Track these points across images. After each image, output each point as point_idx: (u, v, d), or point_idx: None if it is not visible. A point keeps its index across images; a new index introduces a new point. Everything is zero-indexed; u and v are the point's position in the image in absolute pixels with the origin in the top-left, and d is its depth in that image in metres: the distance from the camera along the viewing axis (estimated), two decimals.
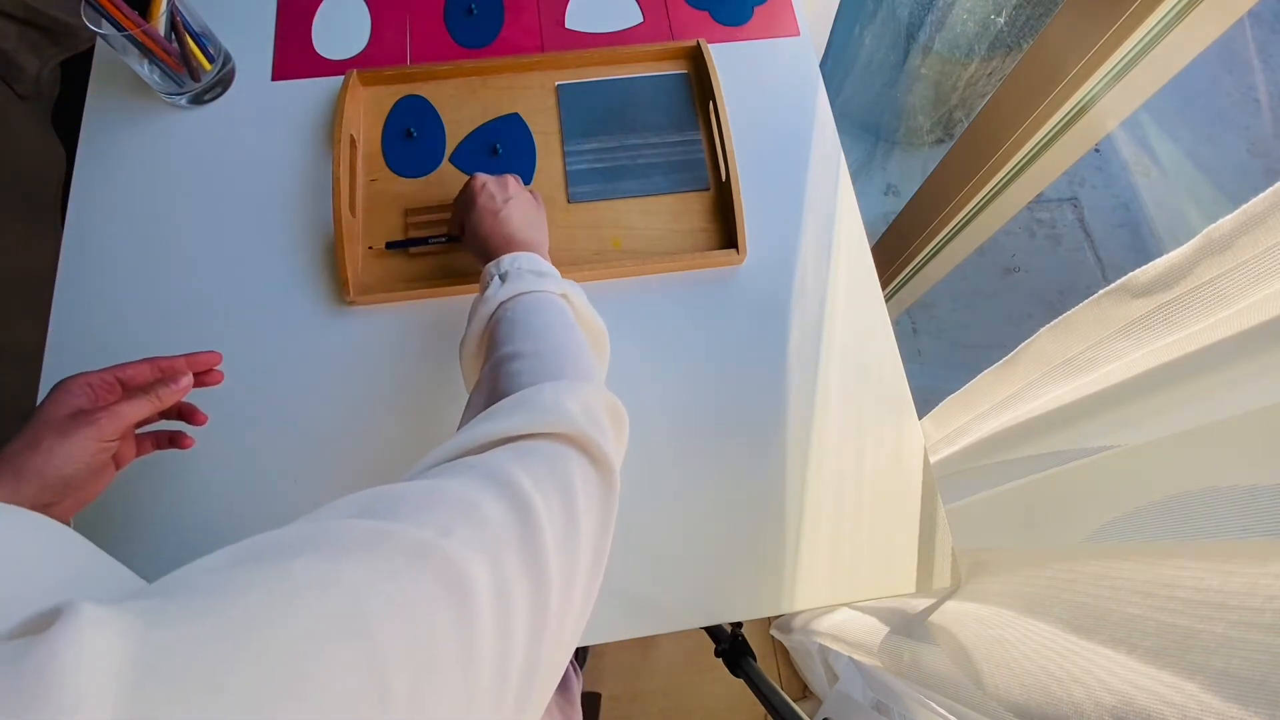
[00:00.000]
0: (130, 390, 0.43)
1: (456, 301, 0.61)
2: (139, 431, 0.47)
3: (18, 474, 0.37)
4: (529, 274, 0.47)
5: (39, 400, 0.56)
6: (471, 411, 0.38)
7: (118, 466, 0.45)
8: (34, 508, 0.36)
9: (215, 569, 0.20)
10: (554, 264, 0.62)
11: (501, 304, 0.45)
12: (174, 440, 0.49)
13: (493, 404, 0.35)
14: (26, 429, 0.39)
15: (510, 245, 0.51)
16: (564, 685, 0.70)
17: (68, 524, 0.41)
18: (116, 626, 0.16)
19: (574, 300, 0.47)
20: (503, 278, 0.47)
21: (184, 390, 0.44)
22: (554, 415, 0.32)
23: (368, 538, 0.22)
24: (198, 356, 0.47)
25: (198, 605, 0.18)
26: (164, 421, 0.49)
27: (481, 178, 0.55)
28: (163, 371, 0.45)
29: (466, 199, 0.55)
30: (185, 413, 0.49)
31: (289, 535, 0.22)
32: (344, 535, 0.22)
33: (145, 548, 0.53)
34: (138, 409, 0.41)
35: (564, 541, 0.28)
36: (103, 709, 0.14)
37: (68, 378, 0.42)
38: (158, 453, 0.49)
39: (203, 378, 0.48)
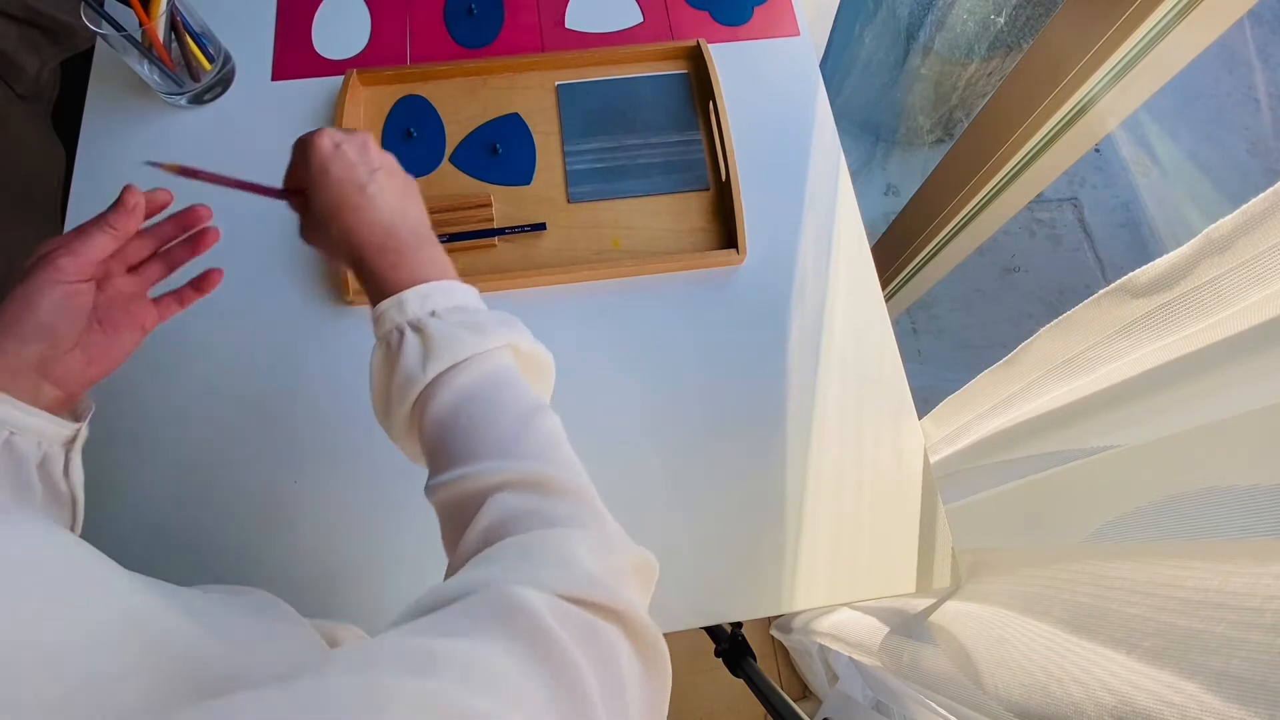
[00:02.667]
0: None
1: None
2: (159, 296, 0.43)
3: None
4: (459, 329, 0.34)
5: None
6: (466, 548, 0.29)
7: (144, 330, 0.41)
8: (27, 365, 0.34)
9: None
10: (553, 264, 0.63)
11: (431, 382, 0.33)
12: (198, 287, 0.44)
13: (488, 541, 0.28)
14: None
15: (390, 244, 0.37)
16: None
17: (82, 390, 0.38)
18: None
19: (522, 348, 0.37)
20: (417, 329, 0.35)
21: (134, 211, 0.38)
22: (590, 585, 0.25)
23: (418, 702, 0.19)
24: (178, 214, 0.42)
25: None
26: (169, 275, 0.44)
27: (328, 132, 0.41)
28: (125, 206, 0.39)
29: (311, 162, 0.40)
30: (194, 243, 0.43)
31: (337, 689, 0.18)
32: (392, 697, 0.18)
33: (145, 548, 0.53)
34: (94, 241, 0.37)
35: None
36: None
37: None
38: (158, 450, 0.48)
39: (197, 240, 0.43)
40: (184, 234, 0.42)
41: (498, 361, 0.35)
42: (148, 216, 0.40)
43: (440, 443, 0.33)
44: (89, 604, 0.23)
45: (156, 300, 0.43)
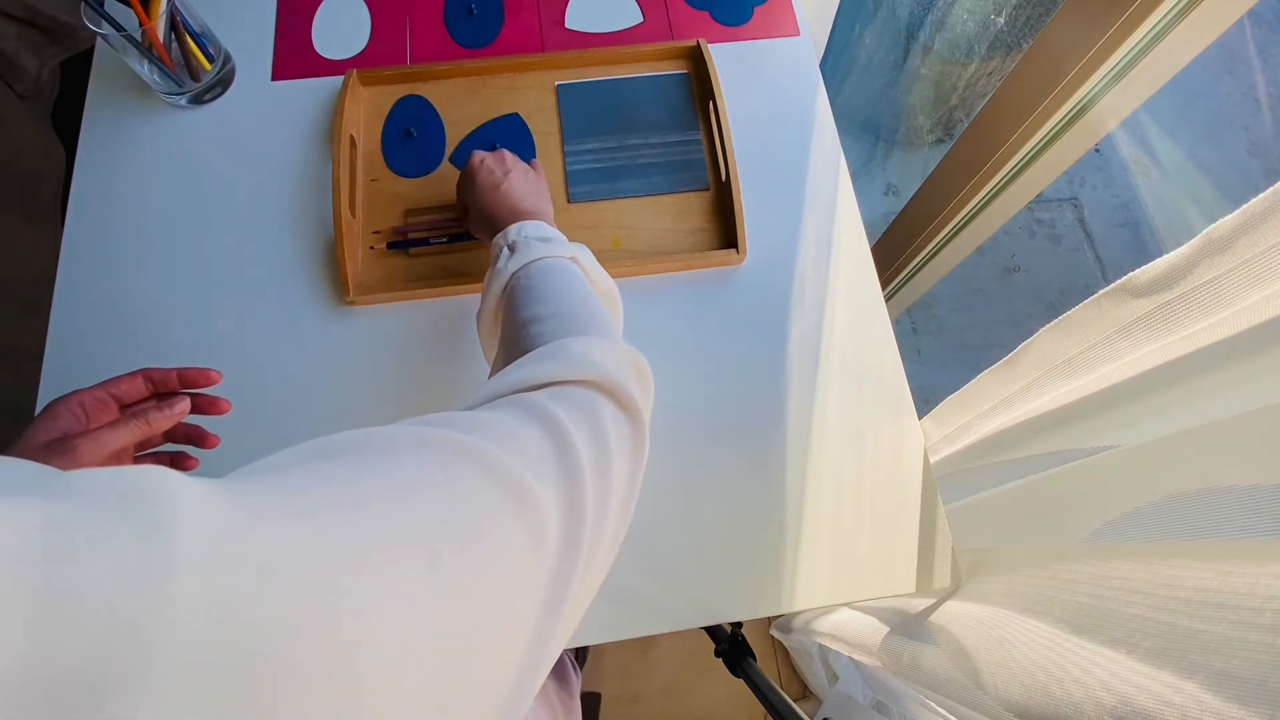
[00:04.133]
0: (123, 409, 0.42)
1: (456, 301, 0.61)
2: (140, 454, 0.45)
3: None
4: (536, 241, 0.47)
5: (38, 401, 0.56)
6: (501, 363, 0.38)
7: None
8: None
9: (276, 467, 0.22)
10: None
11: (513, 274, 0.45)
12: (175, 462, 0.47)
13: (519, 356, 0.35)
14: (11, 454, 0.37)
15: (514, 216, 0.51)
16: (564, 680, 0.71)
17: None
18: (201, 485, 0.17)
19: (583, 262, 0.47)
20: (511, 248, 0.47)
21: (177, 416, 0.42)
22: (582, 364, 0.32)
23: (420, 437, 0.24)
24: (190, 372, 0.45)
25: (270, 492, 0.19)
26: (168, 445, 0.47)
27: (479, 154, 0.56)
28: (154, 384, 0.43)
29: (466, 178, 0.55)
30: (194, 436, 0.47)
31: (349, 437, 0.24)
32: (397, 435, 0.24)
33: None
34: (122, 435, 0.39)
35: (598, 478, 0.28)
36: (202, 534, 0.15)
37: (60, 398, 0.40)
38: None
39: (207, 406, 0.46)
40: (181, 396, 0.45)
41: (561, 263, 0.45)
42: (191, 388, 0.46)
43: (506, 306, 0.44)
44: None
45: (137, 458, 0.45)
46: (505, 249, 0.47)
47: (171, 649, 0.13)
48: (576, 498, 0.26)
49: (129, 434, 0.39)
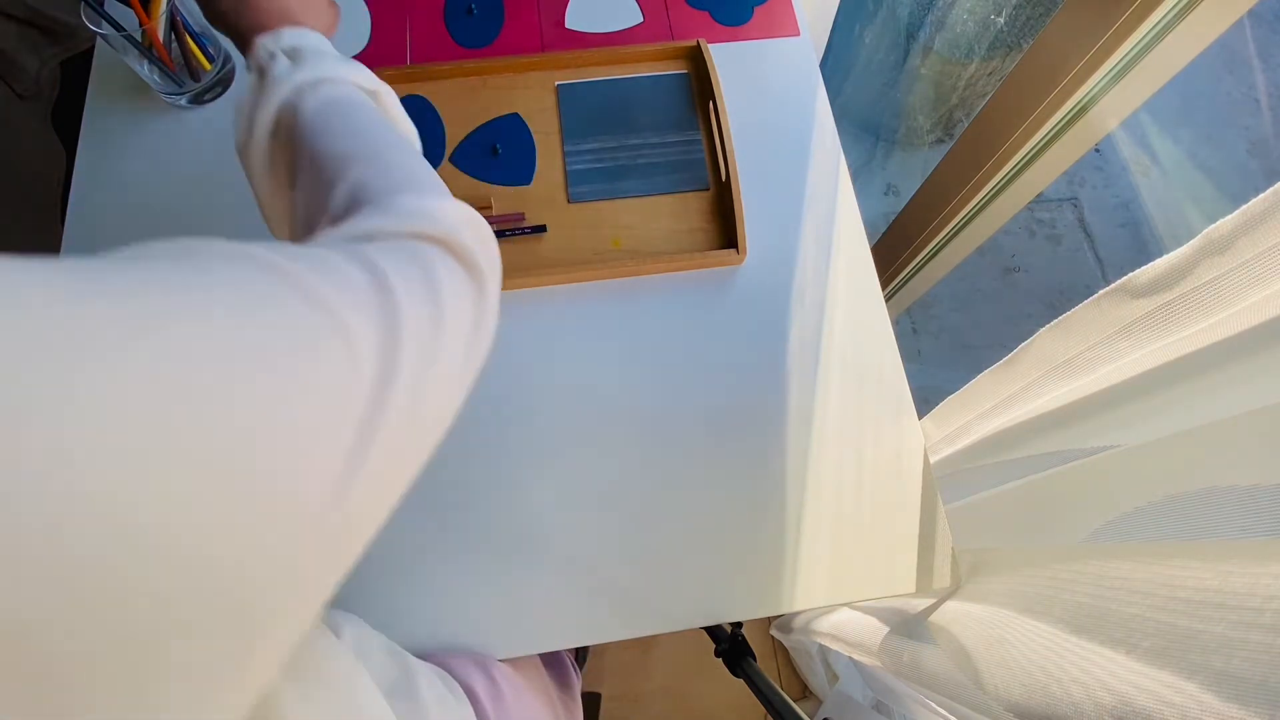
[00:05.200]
0: None
1: None
2: None
3: None
4: (329, 57, 0.38)
5: None
6: (318, 227, 0.32)
7: None
8: None
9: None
10: (553, 264, 0.63)
11: (299, 91, 0.36)
12: None
13: (341, 219, 0.30)
14: None
15: (285, 17, 0.40)
16: (564, 681, 0.70)
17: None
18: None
19: (385, 100, 0.41)
20: (291, 56, 0.38)
21: None
22: (416, 218, 0.29)
23: (231, 253, 0.21)
24: None
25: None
26: None
27: None
28: None
29: None
30: None
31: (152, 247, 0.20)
32: (210, 249, 0.21)
33: None
34: None
35: (425, 328, 0.25)
36: None
37: None
38: None
39: None
40: None
41: (363, 98, 0.38)
42: None
43: (293, 133, 0.35)
44: None
45: None
46: (280, 55, 0.38)
47: None
48: (393, 346, 0.23)
49: None
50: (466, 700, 0.46)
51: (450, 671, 0.48)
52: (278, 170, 0.37)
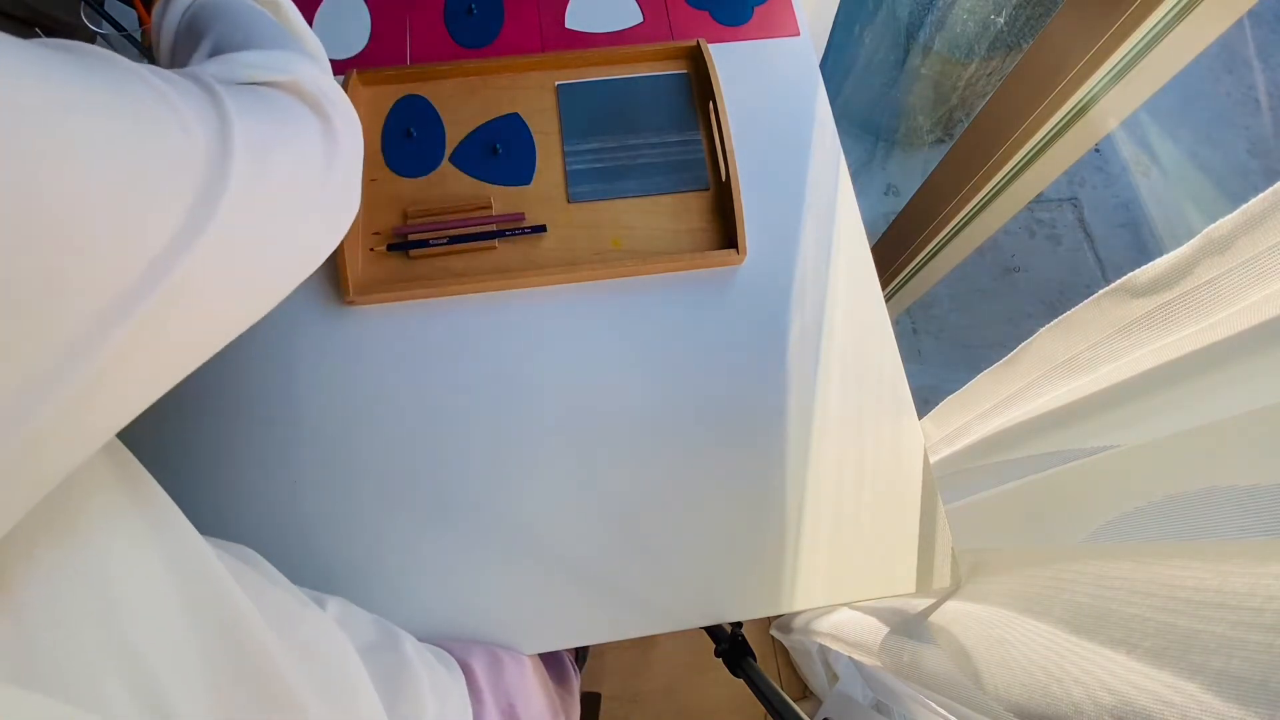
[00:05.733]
0: None
1: (456, 301, 0.61)
2: None
3: None
4: None
5: None
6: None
7: None
8: None
9: None
10: (553, 264, 0.63)
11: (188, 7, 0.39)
12: None
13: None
14: None
15: None
16: (563, 680, 0.70)
17: None
18: None
19: (284, 12, 0.42)
20: None
21: None
22: (259, 67, 0.31)
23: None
24: None
25: None
26: None
27: None
28: None
29: None
30: None
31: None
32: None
33: None
34: None
35: (261, 136, 0.26)
36: None
37: None
38: (157, 452, 0.48)
39: None
40: None
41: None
42: None
43: (195, 26, 0.38)
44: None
45: None
46: None
47: None
48: (224, 126, 0.24)
49: None
50: (460, 675, 0.46)
51: (449, 649, 0.48)
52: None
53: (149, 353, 0.21)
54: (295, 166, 0.29)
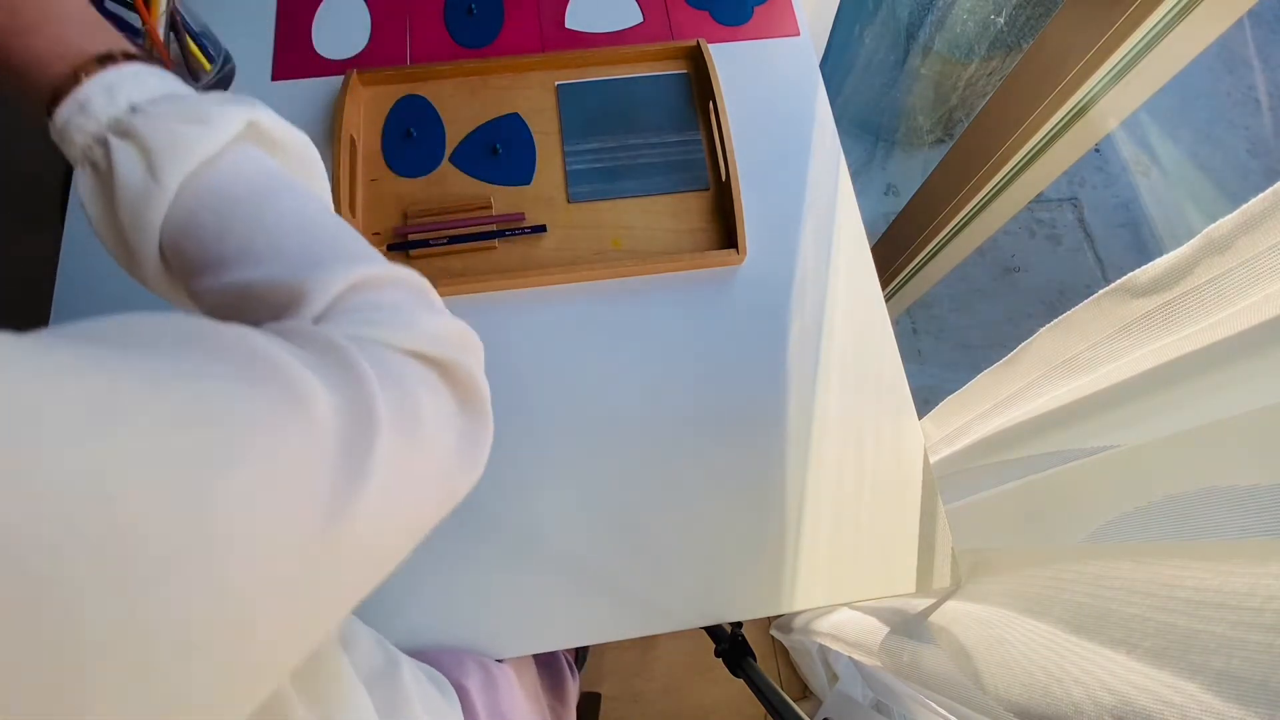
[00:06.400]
0: None
1: (456, 301, 0.61)
2: None
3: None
4: (180, 124, 0.27)
5: None
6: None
7: None
8: None
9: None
10: (553, 264, 0.63)
11: (175, 197, 0.27)
12: None
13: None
14: None
15: (84, 47, 0.28)
16: (559, 685, 0.70)
17: None
18: None
19: (265, 127, 0.30)
20: (127, 139, 0.27)
21: None
22: (398, 329, 0.25)
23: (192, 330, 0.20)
24: None
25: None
26: None
27: None
28: None
29: None
30: None
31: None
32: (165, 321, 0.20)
33: None
34: None
35: (402, 453, 0.22)
36: None
37: None
38: None
39: None
40: None
41: (248, 155, 0.29)
42: None
43: (203, 255, 0.27)
44: None
45: None
46: (111, 140, 0.27)
47: None
48: (360, 472, 0.21)
49: None
50: (456, 700, 0.45)
51: (444, 668, 0.47)
52: (178, 276, 0.29)
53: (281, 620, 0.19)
54: (435, 462, 0.25)
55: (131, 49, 0.29)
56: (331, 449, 0.20)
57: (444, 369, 0.26)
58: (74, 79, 0.27)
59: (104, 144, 0.27)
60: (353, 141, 0.64)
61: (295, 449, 0.19)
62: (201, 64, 0.64)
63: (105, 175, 0.27)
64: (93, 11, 0.29)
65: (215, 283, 0.27)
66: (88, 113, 0.27)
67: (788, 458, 0.58)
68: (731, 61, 0.70)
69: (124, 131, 0.27)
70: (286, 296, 0.25)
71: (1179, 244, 0.39)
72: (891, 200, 1.61)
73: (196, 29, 0.63)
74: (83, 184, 0.28)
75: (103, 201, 0.27)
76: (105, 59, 0.28)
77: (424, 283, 0.30)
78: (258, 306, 0.26)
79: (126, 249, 0.28)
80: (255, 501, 0.18)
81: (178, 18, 0.60)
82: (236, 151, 0.28)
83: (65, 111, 0.27)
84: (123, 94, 0.27)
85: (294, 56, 0.70)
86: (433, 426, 0.24)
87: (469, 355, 0.28)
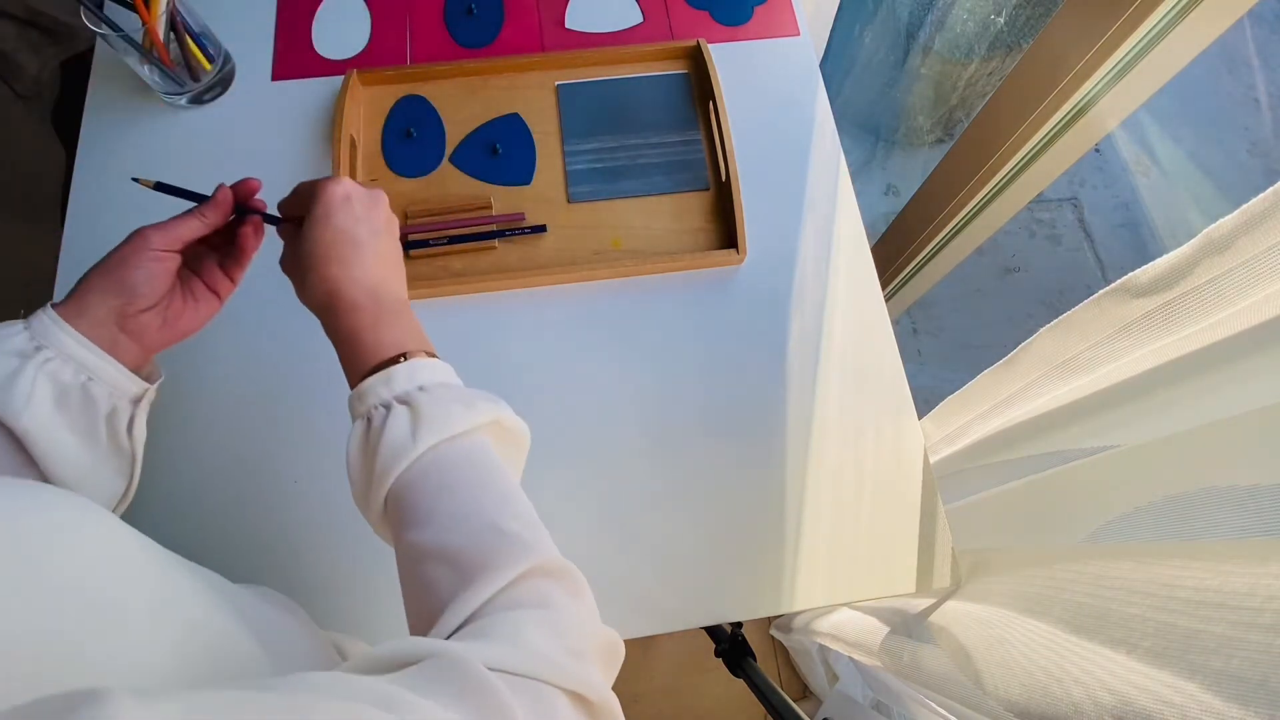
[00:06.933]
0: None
1: (456, 301, 0.61)
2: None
3: (83, 285, 0.38)
4: (451, 404, 0.35)
5: None
6: (442, 622, 0.29)
7: (220, 299, 0.44)
8: (108, 315, 0.38)
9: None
10: (553, 264, 0.63)
11: (416, 459, 0.33)
12: (243, 249, 0.45)
13: (450, 614, 0.29)
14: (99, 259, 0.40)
15: (369, 305, 0.38)
16: None
17: (156, 348, 0.41)
18: None
19: (505, 423, 0.38)
20: (407, 406, 0.35)
21: (225, 203, 0.42)
22: (552, 668, 0.26)
23: None
24: (236, 184, 0.44)
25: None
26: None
27: (345, 182, 0.41)
28: (216, 201, 0.43)
29: (317, 203, 0.40)
30: (243, 234, 0.45)
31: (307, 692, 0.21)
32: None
33: None
34: (186, 224, 0.40)
35: None
36: None
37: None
38: (157, 453, 0.48)
39: (246, 196, 0.44)
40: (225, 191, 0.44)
41: (479, 440, 0.36)
42: (244, 199, 0.43)
43: (403, 500, 0.33)
44: (128, 577, 0.25)
45: (227, 267, 0.45)
46: (394, 405, 0.35)
47: None
48: None
49: (192, 225, 0.40)
50: None
51: None
52: (392, 524, 0.35)
53: None
54: None
55: (433, 349, 0.39)
56: None
57: (591, 710, 0.28)
58: (394, 361, 0.37)
59: (388, 407, 0.35)
60: (353, 141, 0.64)
61: None
62: (201, 64, 0.64)
63: (376, 431, 0.35)
64: (420, 329, 0.40)
65: (418, 537, 0.32)
66: (390, 384, 0.35)
67: (788, 457, 0.58)
68: (731, 61, 0.70)
69: (406, 401, 0.35)
70: (468, 569, 0.30)
71: (1179, 244, 0.39)
72: (891, 200, 1.61)
73: (196, 29, 0.63)
74: (356, 433, 0.36)
75: (364, 451, 0.35)
76: (415, 354, 0.37)
77: (579, 576, 0.34)
78: (443, 573, 0.30)
79: (366, 490, 0.35)
80: None
81: (178, 18, 0.60)
82: (474, 436, 0.35)
83: (373, 381, 0.36)
84: (419, 377, 0.36)
85: (294, 56, 0.70)
86: None
87: (611, 672, 0.31)
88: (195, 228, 0.41)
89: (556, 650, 0.27)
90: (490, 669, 0.25)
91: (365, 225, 0.40)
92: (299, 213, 0.42)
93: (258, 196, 0.45)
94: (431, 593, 0.30)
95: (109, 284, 0.38)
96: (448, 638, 0.28)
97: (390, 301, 0.39)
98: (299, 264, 0.40)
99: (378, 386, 0.36)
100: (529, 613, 0.29)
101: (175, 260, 0.40)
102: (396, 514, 0.34)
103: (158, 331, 0.40)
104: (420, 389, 0.35)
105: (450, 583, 0.30)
